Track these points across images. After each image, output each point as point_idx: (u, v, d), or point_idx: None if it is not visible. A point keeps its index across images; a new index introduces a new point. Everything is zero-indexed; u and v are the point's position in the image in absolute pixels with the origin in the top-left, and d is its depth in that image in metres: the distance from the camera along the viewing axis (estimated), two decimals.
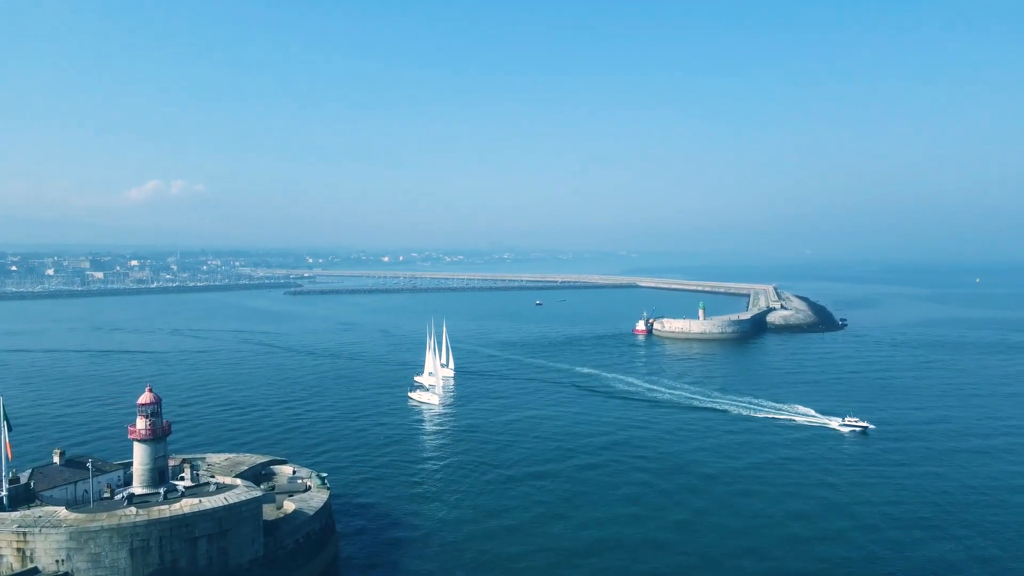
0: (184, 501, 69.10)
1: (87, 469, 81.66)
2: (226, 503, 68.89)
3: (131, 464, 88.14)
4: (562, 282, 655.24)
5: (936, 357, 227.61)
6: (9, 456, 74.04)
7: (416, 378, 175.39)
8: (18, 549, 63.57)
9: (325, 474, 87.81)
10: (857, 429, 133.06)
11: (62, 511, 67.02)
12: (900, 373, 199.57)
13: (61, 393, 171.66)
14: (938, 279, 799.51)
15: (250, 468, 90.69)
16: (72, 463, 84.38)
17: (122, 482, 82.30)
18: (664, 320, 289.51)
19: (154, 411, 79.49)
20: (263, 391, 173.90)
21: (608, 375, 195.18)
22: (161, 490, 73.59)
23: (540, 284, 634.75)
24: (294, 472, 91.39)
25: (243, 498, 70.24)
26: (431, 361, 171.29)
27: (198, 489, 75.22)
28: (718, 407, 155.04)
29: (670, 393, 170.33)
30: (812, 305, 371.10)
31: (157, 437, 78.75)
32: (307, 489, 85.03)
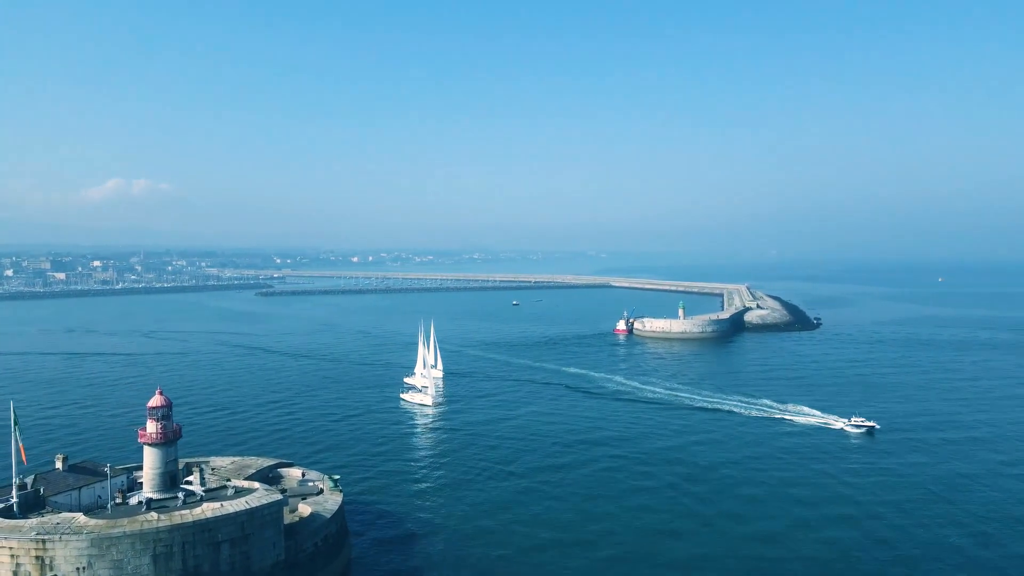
0: (205, 505, 67.74)
1: (93, 474, 79.90)
2: (248, 507, 67.68)
3: (133, 469, 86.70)
4: (535, 282, 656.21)
5: (914, 355, 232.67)
6: (24, 460, 71.92)
7: (406, 379, 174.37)
8: (36, 557, 61.65)
9: (338, 476, 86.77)
10: (863, 429, 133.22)
11: (80, 517, 65.22)
12: (883, 371, 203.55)
13: (38, 397, 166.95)
14: (903, 278, 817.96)
15: (258, 471, 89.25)
16: (76, 468, 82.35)
17: (125, 487, 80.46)
18: (645, 320, 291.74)
19: (165, 414, 77.79)
20: (250, 393, 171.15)
21: (597, 375, 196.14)
22: (180, 495, 72.05)
23: (515, 284, 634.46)
24: (303, 475, 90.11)
25: (264, 502, 69.08)
26: (422, 362, 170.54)
27: (216, 493, 73.88)
28: (714, 406, 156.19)
29: (665, 392, 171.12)
30: (786, 304, 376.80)
31: (169, 440, 77.09)
32: (320, 492, 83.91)
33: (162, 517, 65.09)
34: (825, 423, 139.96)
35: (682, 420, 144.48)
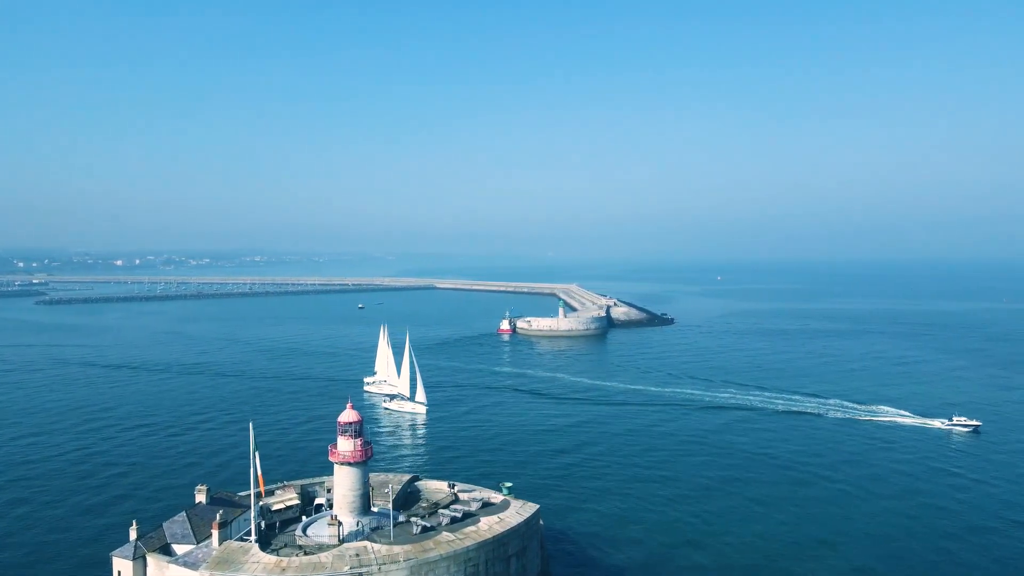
0: (484, 520, 63.69)
1: (233, 505, 71.09)
2: (523, 518, 64.85)
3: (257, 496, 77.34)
4: (354, 285, 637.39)
5: (788, 344, 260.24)
6: (262, 490, 61.79)
7: (367, 389, 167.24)
8: None
9: (510, 484, 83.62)
10: (968, 428, 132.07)
11: (374, 546, 58.27)
12: (791, 358, 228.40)
13: None
14: (688, 276, 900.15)
15: (401, 487, 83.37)
16: (216, 500, 72.01)
17: (259, 516, 72.04)
18: (529, 319, 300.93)
19: (359, 430, 70.74)
20: (194, 417, 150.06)
21: (534, 373, 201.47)
22: (445, 511, 66.39)
23: (337, 287, 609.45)
24: (452, 486, 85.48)
25: (530, 513, 66.51)
26: (392, 368, 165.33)
27: (459, 506, 69.32)
28: (726, 403, 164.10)
29: (693, 392, 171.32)
30: (627, 303, 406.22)
31: (367, 458, 70.22)
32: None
33: (458, 536, 60.40)
34: (926, 424, 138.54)
35: (767, 423, 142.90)
